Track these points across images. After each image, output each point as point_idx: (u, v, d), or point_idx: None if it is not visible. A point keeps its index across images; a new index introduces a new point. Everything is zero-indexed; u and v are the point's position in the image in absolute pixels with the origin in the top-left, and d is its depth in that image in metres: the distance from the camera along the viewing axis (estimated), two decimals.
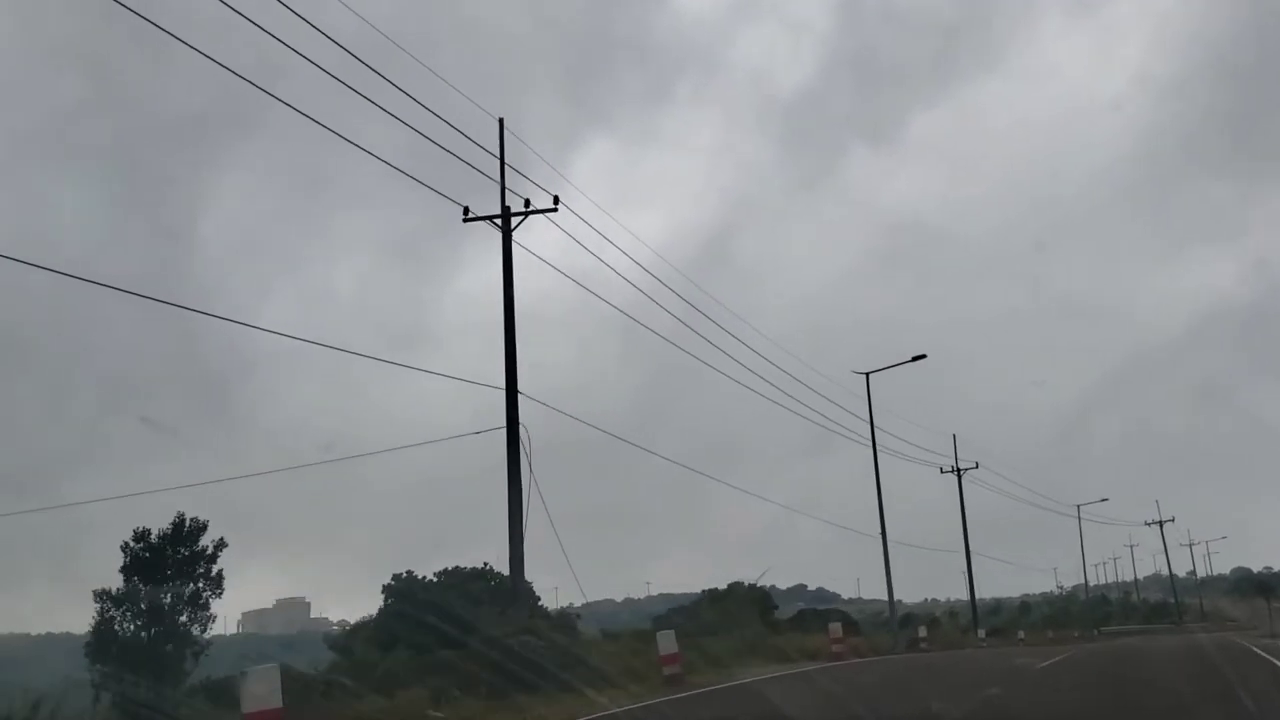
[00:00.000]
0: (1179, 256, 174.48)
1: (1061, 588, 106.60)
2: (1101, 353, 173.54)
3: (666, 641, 17.85)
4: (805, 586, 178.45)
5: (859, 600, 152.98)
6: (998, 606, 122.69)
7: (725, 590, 34.87)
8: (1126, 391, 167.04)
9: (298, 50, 14.97)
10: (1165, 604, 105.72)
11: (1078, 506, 74.43)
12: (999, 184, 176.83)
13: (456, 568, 24.02)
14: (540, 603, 24.19)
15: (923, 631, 36.31)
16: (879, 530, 36.31)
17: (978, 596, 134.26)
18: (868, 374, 37.34)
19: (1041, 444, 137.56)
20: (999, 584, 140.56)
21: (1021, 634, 52.52)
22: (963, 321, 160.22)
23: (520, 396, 22.68)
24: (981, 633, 45.14)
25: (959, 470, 58.55)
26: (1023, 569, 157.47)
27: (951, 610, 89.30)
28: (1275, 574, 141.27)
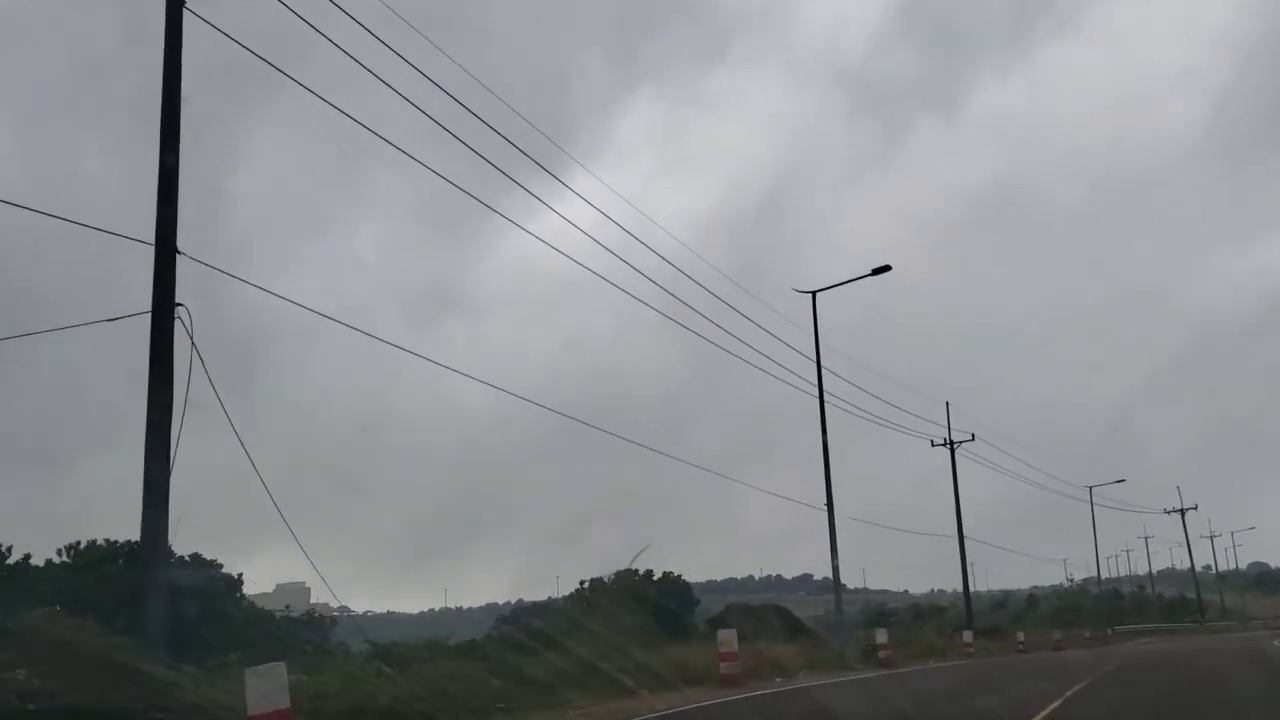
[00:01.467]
0: (1249, 237, 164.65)
1: (1071, 580, 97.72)
2: (1155, 337, 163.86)
3: (263, 686, 8.69)
4: (811, 576, 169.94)
5: (864, 591, 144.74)
6: (1005, 599, 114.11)
7: (612, 579, 25.67)
8: (1169, 379, 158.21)
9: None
10: (1182, 599, 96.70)
11: (1090, 488, 65.05)
12: (1064, 157, 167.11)
13: (93, 543, 14.99)
14: (246, 598, 15.01)
15: (882, 637, 27.12)
16: (825, 502, 27.11)
17: (986, 588, 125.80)
18: (814, 293, 28.13)
19: (1078, 432, 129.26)
20: (1008, 576, 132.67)
21: (1021, 636, 43.28)
22: (1018, 298, 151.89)
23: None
24: (968, 635, 35.91)
25: (951, 443, 50.22)
26: (1033, 560, 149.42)
27: (942, 605, 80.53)
28: None
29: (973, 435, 50.60)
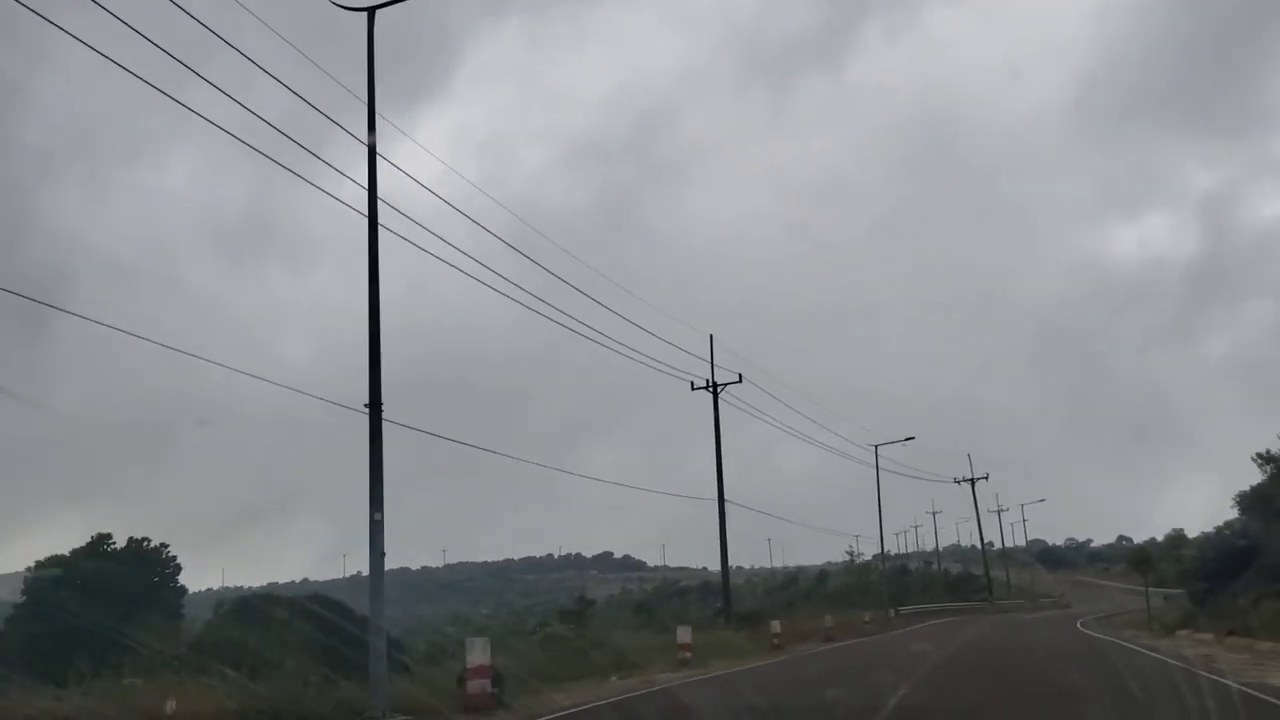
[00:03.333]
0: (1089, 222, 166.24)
1: (851, 552, 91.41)
2: (988, 318, 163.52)
3: None
4: (611, 554, 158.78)
5: (664, 568, 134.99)
6: (797, 576, 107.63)
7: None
8: (995, 363, 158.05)
9: None
10: (969, 576, 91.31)
11: (875, 447, 55.71)
12: (932, 125, 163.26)
13: None
14: None
15: (479, 656, 14.53)
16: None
17: (782, 564, 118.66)
18: (370, 10, 15.17)
19: (907, 416, 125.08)
20: (802, 552, 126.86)
21: (776, 628, 32.28)
22: (859, 284, 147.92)
23: None
24: (684, 633, 24.19)
25: (714, 385, 40.06)
26: (832, 535, 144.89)
27: (737, 583, 70.97)
28: (1075, 546, 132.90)
29: (740, 376, 40.21)
